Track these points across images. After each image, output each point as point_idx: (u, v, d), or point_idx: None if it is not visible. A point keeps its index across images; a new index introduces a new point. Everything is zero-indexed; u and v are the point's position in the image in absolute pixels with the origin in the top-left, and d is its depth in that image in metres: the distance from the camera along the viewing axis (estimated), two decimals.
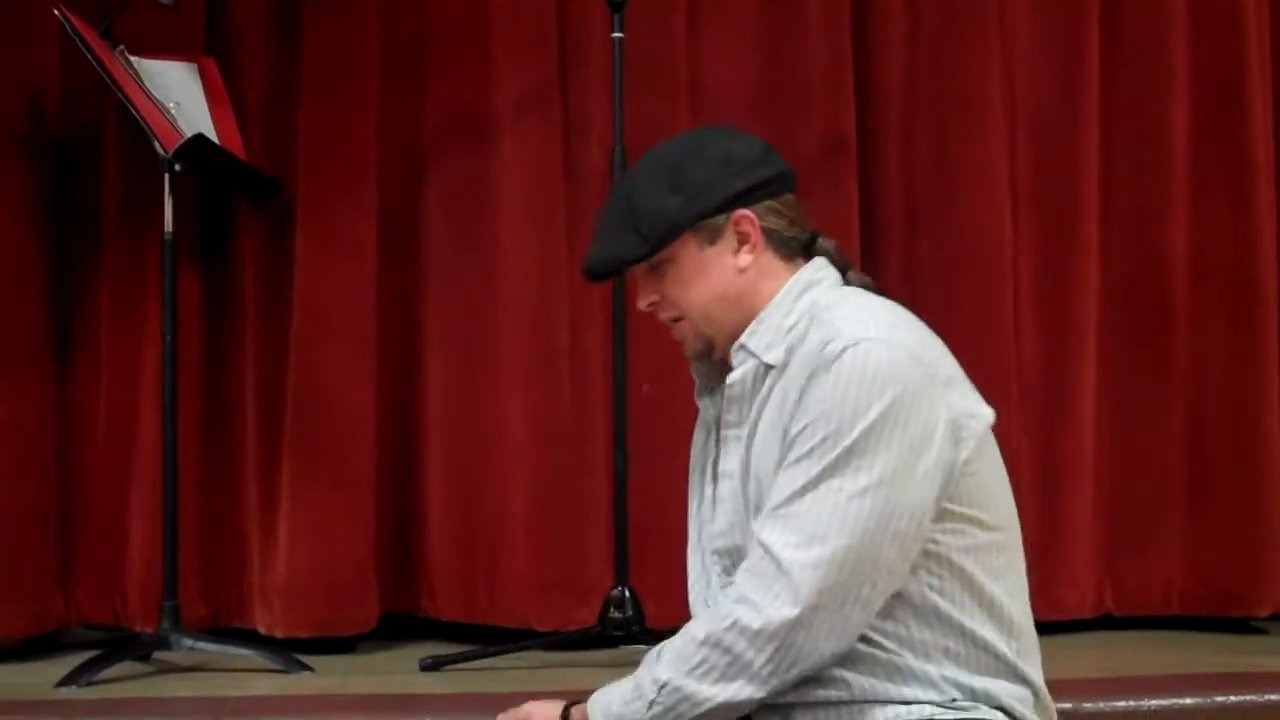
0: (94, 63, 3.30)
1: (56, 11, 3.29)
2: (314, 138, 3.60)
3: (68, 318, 3.64)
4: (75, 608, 3.62)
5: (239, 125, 3.54)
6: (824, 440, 1.81)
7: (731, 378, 1.96)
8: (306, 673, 3.24)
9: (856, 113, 3.74)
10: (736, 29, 3.75)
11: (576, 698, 1.98)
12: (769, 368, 1.92)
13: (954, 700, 1.85)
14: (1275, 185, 3.81)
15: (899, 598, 1.85)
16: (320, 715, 2.76)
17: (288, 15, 3.65)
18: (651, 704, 1.85)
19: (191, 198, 3.55)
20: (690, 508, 2.10)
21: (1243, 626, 3.72)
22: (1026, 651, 1.92)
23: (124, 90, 3.31)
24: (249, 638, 3.49)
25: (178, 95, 3.43)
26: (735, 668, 1.82)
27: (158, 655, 3.32)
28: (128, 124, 3.43)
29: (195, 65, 3.54)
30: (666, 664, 1.86)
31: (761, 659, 1.81)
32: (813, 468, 1.81)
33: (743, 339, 1.95)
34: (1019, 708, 1.89)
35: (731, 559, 1.96)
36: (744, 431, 1.95)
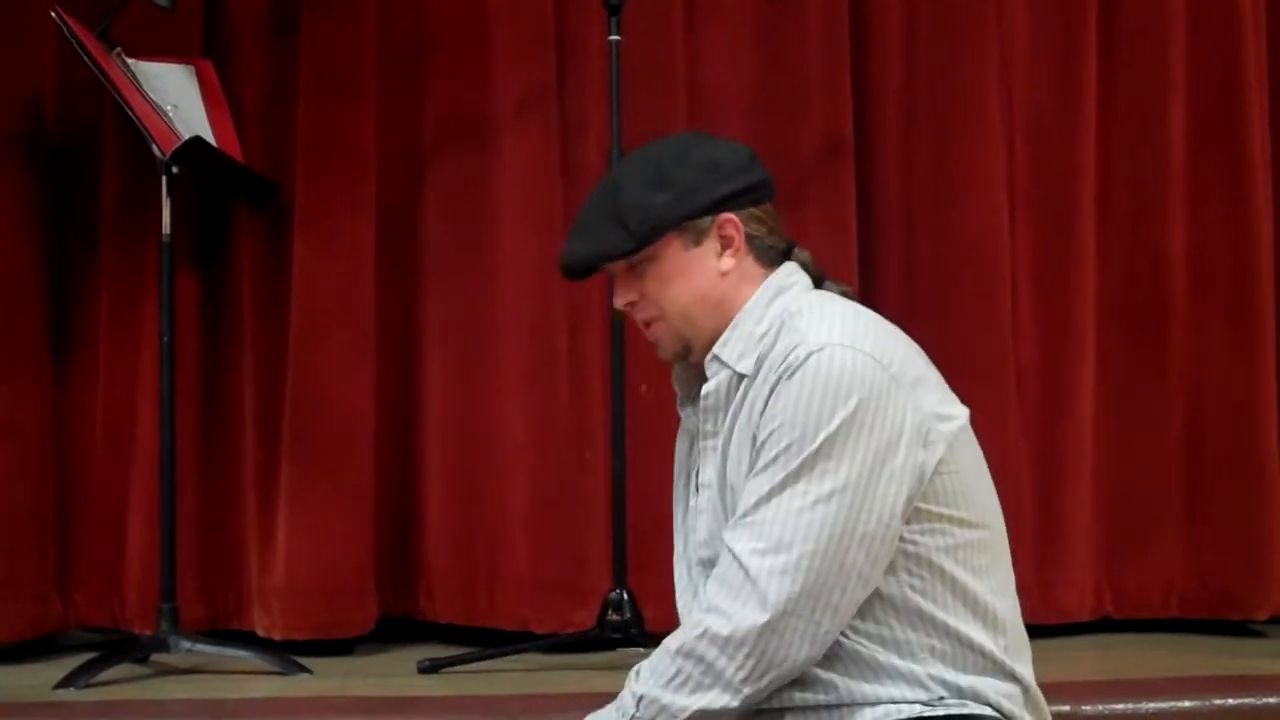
0: (91, 65, 3.30)
1: (54, 14, 3.28)
2: (312, 139, 3.60)
3: (66, 319, 3.64)
4: (73, 610, 3.62)
5: (237, 127, 3.54)
6: (788, 447, 1.81)
7: (706, 389, 1.96)
8: (305, 675, 3.24)
9: (854, 114, 3.74)
10: (734, 31, 3.75)
11: None
12: (742, 377, 1.93)
13: (942, 699, 1.85)
14: (1272, 185, 3.81)
15: (882, 599, 1.85)
16: (318, 717, 2.76)
17: (285, 17, 3.65)
18: (632, 719, 1.85)
19: (189, 200, 3.55)
20: (675, 518, 2.11)
21: (1241, 629, 3.71)
22: (1015, 648, 1.92)
23: (121, 93, 3.31)
24: (247, 640, 3.49)
25: (175, 97, 3.43)
26: (709, 677, 1.82)
27: (156, 657, 3.32)
28: (125, 126, 3.43)
29: (192, 67, 3.54)
30: (644, 678, 1.87)
31: (733, 667, 1.81)
32: (777, 474, 1.81)
33: (715, 349, 1.95)
34: (1007, 704, 1.89)
35: (714, 568, 1.96)
36: (719, 442, 1.95)
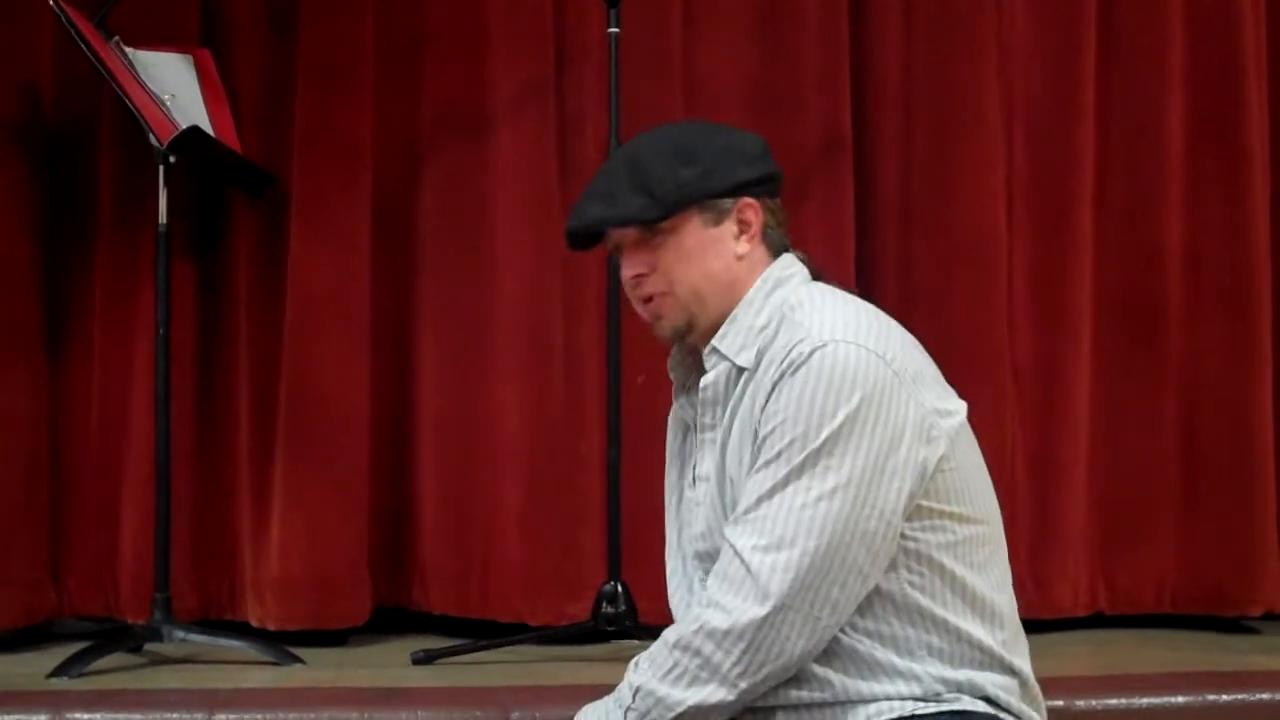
0: (89, 54, 3.29)
1: (52, 2, 3.27)
2: (309, 130, 3.59)
3: (61, 309, 3.64)
4: (67, 599, 3.62)
5: (234, 117, 3.54)
6: (791, 443, 1.81)
7: (705, 381, 1.96)
8: (298, 665, 3.24)
9: (853, 109, 3.74)
10: (733, 25, 3.74)
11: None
12: (741, 370, 1.92)
13: (938, 695, 1.86)
14: (1270, 182, 3.81)
15: (881, 596, 1.85)
16: (312, 708, 2.75)
17: (283, 7, 3.65)
18: (628, 710, 1.85)
19: (186, 190, 3.55)
20: (668, 508, 2.11)
21: (1235, 625, 3.72)
22: (1012, 642, 1.92)
23: (119, 82, 3.30)
24: (241, 630, 3.48)
25: (173, 87, 3.42)
26: (705, 670, 1.82)
27: (149, 647, 3.32)
28: (123, 116, 3.42)
29: (191, 57, 3.54)
30: (642, 670, 1.87)
31: (729, 661, 1.81)
32: (780, 470, 1.81)
33: (714, 341, 1.95)
34: (1004, 696, 1.89)
35: (711, 562, 1.96)
36: (718, 435, 1.95)
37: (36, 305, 3.59)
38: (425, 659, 3.24)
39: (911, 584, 1.85)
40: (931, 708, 1.85)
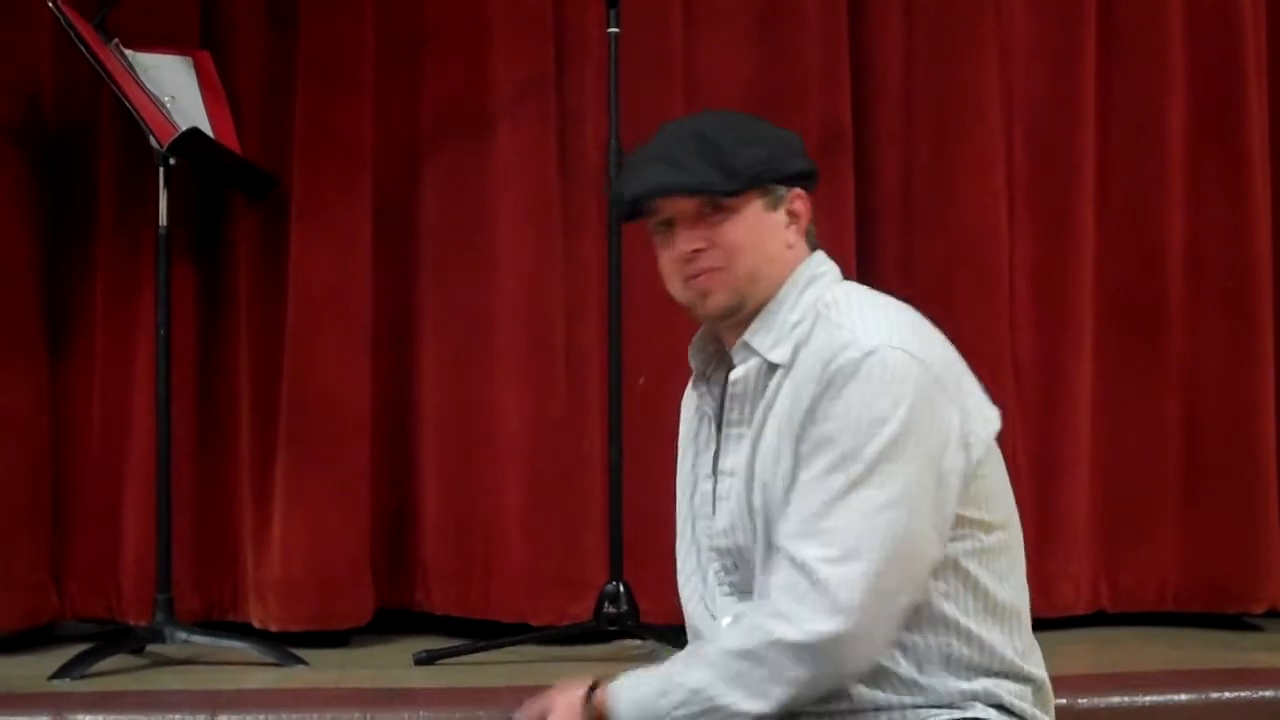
0: (88, 56, 3.29)
1: (51, 4, 3.27)
2: (309, 131, 3.59)
3: (62, 312, 3.64)
4: (69, 601, 3.62)
5: (234, 119, 3.53)
6: (848, 452, 1.79)
7: (735, 375, 1.94)
8: (300, 666, 3.24)
9: (853, 107, 3.74)
10: (733, 23, 3.74)
11: (597, 679, 1.93)
12: (774, 366, 1.90)
13: (950, 703, 1.85)
14: (1270, 181, 3.81)
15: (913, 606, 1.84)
16: (314, 709, 2.75)
17: (283, 8, 3.65)
18: (678, 705, 1.82)
19: (186, 192, 3.55)
20: (680, 499, 2.08)
21: (1238, 623, 3.71)
22: (1029, 648, 1.92)
23: (119, 84, 3.30)
24: (243, 631, 3.48)
25: (173, 89, 3.42)
26: (769, 682, 1.79)
27: (151, 648, 3.32)
28: (123, 118, 3.42)
29: (190, 59, 3.54)
30: (700, 670, 1.83)
31: (800, 672, 1.78)
32: (838, 480, 1.79)
33: (745, 336, 1.93)
34: (1019, 704, 1.89)
35: (732, 559, 1.94)
36: (748, 431, 1.92)
37: (37, 307, 3.59)
38: (427, 659, 3.24)
39: (940, 592, 1.84)
40: (944, 715, 1.84)
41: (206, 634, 3.35)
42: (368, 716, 2.72)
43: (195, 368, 3.63)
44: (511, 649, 3.31)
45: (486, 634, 3.44)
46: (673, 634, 2.63)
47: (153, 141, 3.29)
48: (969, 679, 1.86)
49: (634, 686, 1.86)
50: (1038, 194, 3.80)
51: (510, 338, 3.64)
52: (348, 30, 3.63)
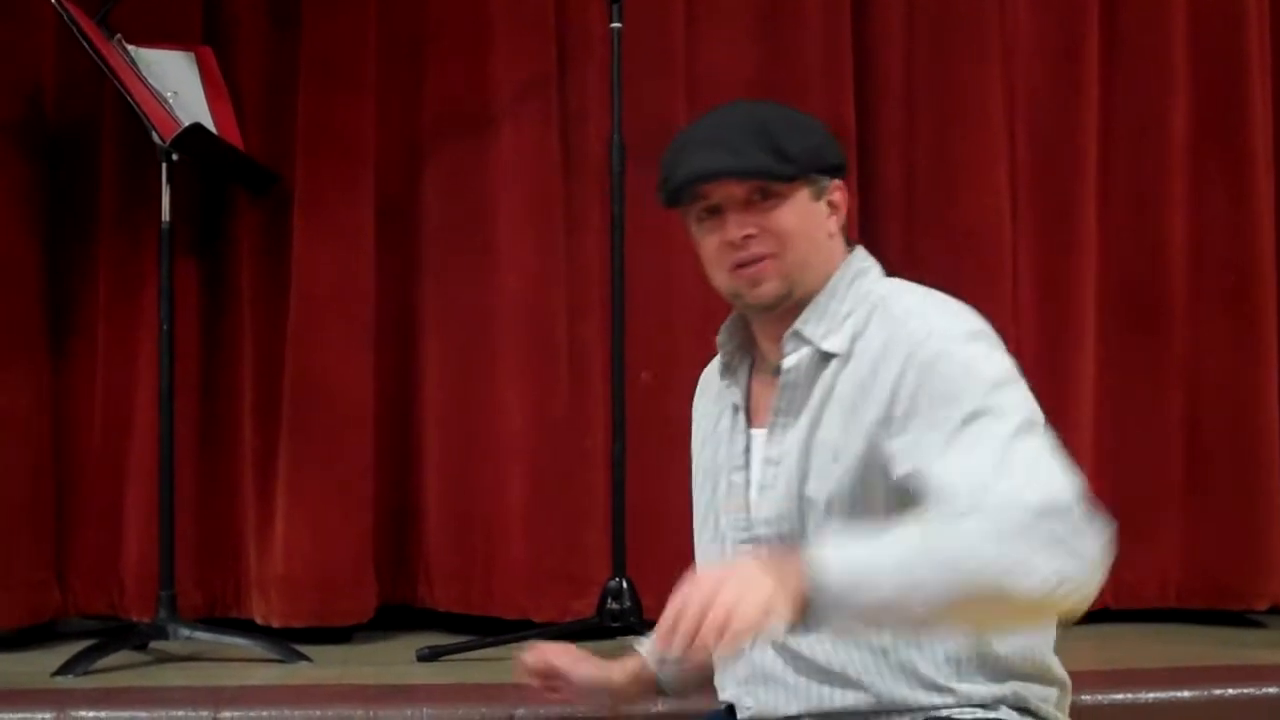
0: (91, 52, 3.29)
1: (53, 0, 3.28)
2: (312, 127, 3.59)
3: (64, 308, 3.64)
4: (71, 597, 3.62)
5: (237, 115, 3.53)
6: (979, 407, 1.76)
7: (787, 363, 1.92)
8: (303, 663, 3.24)
9: (856, 105, 3.74)
10: (735, 20, 3.74)
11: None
12: (827, 355, 1.90)
13: (979, 705, 1.85)
14: (1274, 177, 3.80)
15: (967, 657, 1.84)
16: (317, 705, 2.75)
17: (285, 5, 3.65)
18: (917, 582, 1.62)
19: (189, 188, 3.55)
20: (701, 495, 2.05)
21: (1240, 620, 3.71)
22: (1051, 646, 1.93)
23: (121, 79, 3.30)
24: (245, 628, 3.49)
25: (175, 84, 3.42)
26: (1071, 537, 1.69)
27: (154, 645, 3.32)
28: (125, 114, 3.43)
29: (193, 55, 3.54)
30: (965, 529, 1.65)
31: (1085, 528, 1.71)
32: (987, 434, 1.75)
33: (796, 325, 1.92)
34: (1045, 707, 1.90)
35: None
36: (801, 420, 1.90)
37: (40, 304, 3.59)
38: (430, 656, 3.23)
39: None
40: (967, 714, 1.84)
41: (209, 630, 3.36)
42: (370, 713, 2.72)
43: (198, 364, 3.63)
44: (514, 645, 3.30)
45: (489, 630, 3.44)
46: None
47: (155, 137, 3.29)
48: (1001, 681, 1.86)
49: (850, 557, 1.63)
50: (1040, 192, 3.80)
51: (513, 334, 3.64)
52: (350, 27, 3.63)
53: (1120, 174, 3.82)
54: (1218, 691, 2.79)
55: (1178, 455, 3.76)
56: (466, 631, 3.49)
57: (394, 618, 3.64)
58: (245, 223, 3.65)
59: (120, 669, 3.16)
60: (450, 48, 3.70)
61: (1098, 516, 1.68)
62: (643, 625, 3.23)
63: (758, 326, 1.99)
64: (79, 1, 3.33)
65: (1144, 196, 3.80)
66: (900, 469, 1.78)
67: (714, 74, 3.72)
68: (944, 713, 1.84)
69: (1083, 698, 2.70)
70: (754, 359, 2.02)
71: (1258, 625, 3.71)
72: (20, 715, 2.70)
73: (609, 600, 3.25)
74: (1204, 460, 3.75)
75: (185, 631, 3.27)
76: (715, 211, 1.92)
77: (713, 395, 2.07)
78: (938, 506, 1.69)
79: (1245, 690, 2.80)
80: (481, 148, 3.69)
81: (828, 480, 1.86)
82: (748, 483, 1.97)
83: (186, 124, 3.29)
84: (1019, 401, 1.80)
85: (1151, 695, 2.78)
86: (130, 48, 3.41)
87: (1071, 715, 1.99)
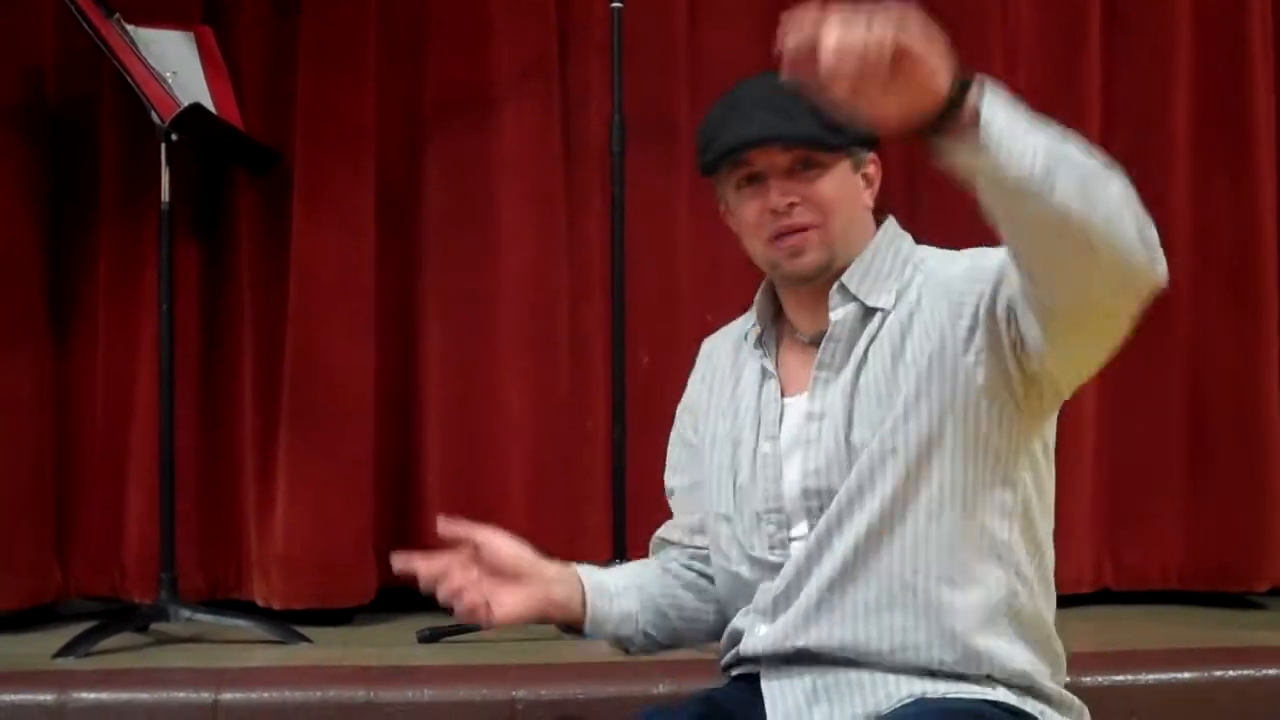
0: (90, 31, 3.28)
1: None
2: (312, 109, 3.58)
3: (64, 291, 3.63)
4: (73, 579, 3.62)
5: (236, 96, 3.52)
6: None
7: (835, 316, 1.94)
8: (304, 644, 3.24)
9: None
10: (737, 1, 3.72)
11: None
12: (872, 311, 1.93)
13: (986, 676, 1.88)
14: (1277, 170, 3.79)
15: (994, 606, 1.88)
16: (318, 686, 2.75)
17: None
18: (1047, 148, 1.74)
19: (189, 168, 3.54)
20: (715, 466, 2.05)
21: (1241, 602, 3.71)
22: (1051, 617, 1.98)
23: (120, 59, 3.29)
24: (247, 609, 3.49)
25: (174, 64, 3.41)
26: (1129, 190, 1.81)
27: (155, 626, 3.32)
28: (124, 95, 3.41)
29: (192, 34, 3.52)
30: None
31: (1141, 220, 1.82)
32: None
33: (843, 280, 1.95)
34: (1046, 684, 1.94)
35: (819, 501, 1.91)
36: (844, 374, 1.92)
37: (40, 286, 3.59)
38: (431, 637, 3.24)
39: (1016, 594, 1.91)
40: (964, 689, 1.86)
41: (210, 612, 3.36)
42: (372, 694, 2.72)
43: (198, 345, 3.62)
44: (515, 626, 3.30)
45: None
46: None
47: (155, 117, 3.28)
48: (1011, 643, 1.89)
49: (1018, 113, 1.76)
50: None
51: (514, 317, 3.64)
52: (350, 9, 3.61)
53: (1122, 164, 3.79)
54: (1218, 673, 2.78)
55: (1179, 437, 3.75)
56: None
57: (395, 599, 3.63)
58: (245, 204, 3.64)
59: (121, 651, 3.16)
60: (451, 29, 3.69)
61: None
62: None
63: (790, 297, 2.00)
64: None
65: (1146, 187, 3.76)
66: (1000, 305, 1.83)
67: (716, 54, 3.70)
68: (940, 688, 1.85)
69: (1083, 679, 2.72)
70: (779, 331, 2.03)
71: (1258, 607, 3.71)
72: (21, 697, 2.70)
73: None
74: (1205, 443, 3.75)
75: (186, 613, 3.27)
76: (755, 180, 1.94)
77: (725, 364, 2.07)
78: None
79: (1245, 671, 2.79)
80: (482, 129, 3.68)
81: (875, 426, 1.87)
82: (778, 454, 1.96)
83: (186, 104, 3.28)
84: None
85: (1152, 676, 2.78)
86: (129, 27, 3.39)
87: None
